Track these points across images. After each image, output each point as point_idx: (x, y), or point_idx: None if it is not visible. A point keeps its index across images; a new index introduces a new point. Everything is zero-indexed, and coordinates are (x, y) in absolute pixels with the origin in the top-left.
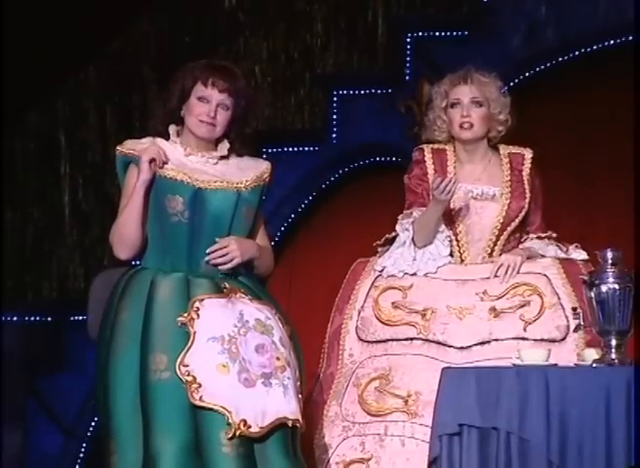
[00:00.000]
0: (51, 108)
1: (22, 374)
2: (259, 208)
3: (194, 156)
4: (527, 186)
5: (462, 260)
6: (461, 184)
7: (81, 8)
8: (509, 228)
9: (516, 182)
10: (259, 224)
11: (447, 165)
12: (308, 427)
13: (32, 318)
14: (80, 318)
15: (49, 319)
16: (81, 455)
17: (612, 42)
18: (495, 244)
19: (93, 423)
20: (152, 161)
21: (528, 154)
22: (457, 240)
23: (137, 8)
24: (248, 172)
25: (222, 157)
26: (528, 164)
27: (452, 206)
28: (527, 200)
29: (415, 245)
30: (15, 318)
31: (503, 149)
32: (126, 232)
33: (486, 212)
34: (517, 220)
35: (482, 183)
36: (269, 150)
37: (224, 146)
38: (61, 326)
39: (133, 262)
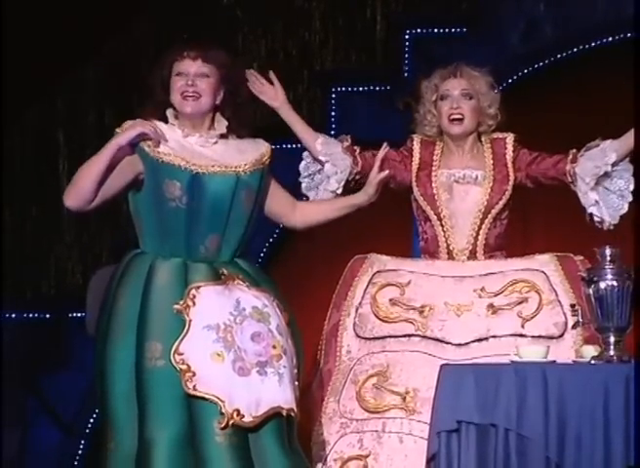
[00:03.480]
0: (49, 107)
1: (21, 371)
2: (259, 191)
3: (192, 137)
4: (511, 170)
5: (448, 245)
6: (445, 170)
7: (80, 7)
8: (493, 211)
9: (499, 166)
10: (277, 196)
11: (433, 154)
12: (306, 424)
13: (31, 315)
14: (79, 315)
15: (47, 316)
16: (80, 452)
17: (610, 39)
18: (479, 228)
19: (92, 420)
20: (142, 135)
21: (509, 138)
22: (441, 224)
23: (135, 6)
24: (247, 155)
25: (222, 136)
26: (510, 147)
27: (434, 191)
28: (510, 183)
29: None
30: (13, 315)
31: (485, 136)
32: (81, 183)
33: (469, 196)
34: (501, 203)
35: (467, 168)
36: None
37: (222, 124)
38: (60, 323)
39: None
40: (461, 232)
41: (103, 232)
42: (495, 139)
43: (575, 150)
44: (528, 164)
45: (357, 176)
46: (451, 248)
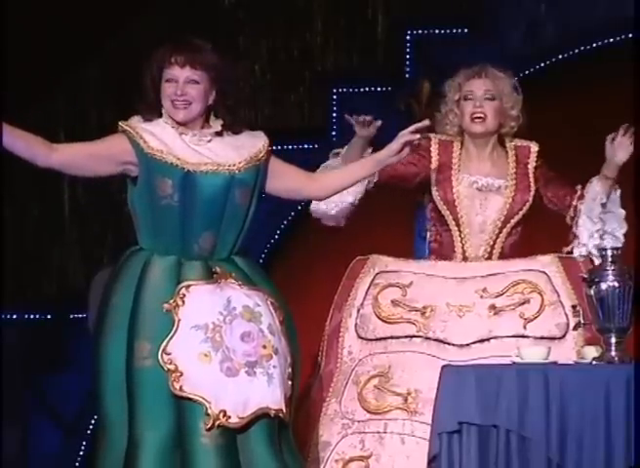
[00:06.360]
0: (50, 106)
1: (22, 372)
2: (255, 188)
3: (186, 135)
4: (532, 180)
5: (464, 252)
6: (466, 175)
7: (81, 6)
8: (512, 221)
9: (522, 175)
10: (288, 173)
11: (452, 156)
12: (307, 425)
13: (32, 316)
14: (80, 316)
15: (48, 317)
16: (81, 454)
17: (611, 39)
18: (497, 237)
19: (93, 421)
20: None
21: (534, 147)
22: (459, 231)
23: (136, 6)
24: (243, 151)
25: (217, 134)
26: (534, 157)
27: (455, 196)
28: (531, 193)
29: None
30: (14, 316)
31: (509, 142)
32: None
33: (490, 204)
34: (520, 214)
35: (489, 176)
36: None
37: (217, 122)
38: (61, 323)
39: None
40: (479, 240)
41: (105, 233)
42: (519, 147)
43: (581, 186)
44: (543, 184)
45: (372, 186)
46: (467, 254)
